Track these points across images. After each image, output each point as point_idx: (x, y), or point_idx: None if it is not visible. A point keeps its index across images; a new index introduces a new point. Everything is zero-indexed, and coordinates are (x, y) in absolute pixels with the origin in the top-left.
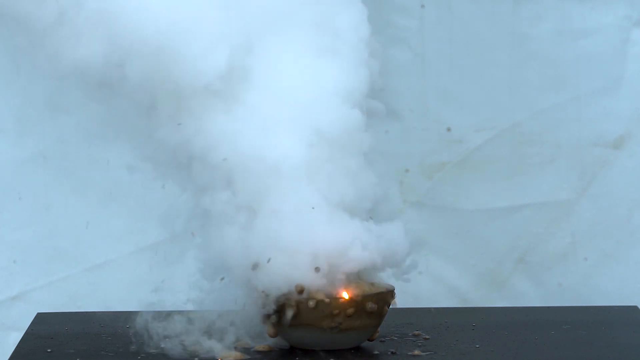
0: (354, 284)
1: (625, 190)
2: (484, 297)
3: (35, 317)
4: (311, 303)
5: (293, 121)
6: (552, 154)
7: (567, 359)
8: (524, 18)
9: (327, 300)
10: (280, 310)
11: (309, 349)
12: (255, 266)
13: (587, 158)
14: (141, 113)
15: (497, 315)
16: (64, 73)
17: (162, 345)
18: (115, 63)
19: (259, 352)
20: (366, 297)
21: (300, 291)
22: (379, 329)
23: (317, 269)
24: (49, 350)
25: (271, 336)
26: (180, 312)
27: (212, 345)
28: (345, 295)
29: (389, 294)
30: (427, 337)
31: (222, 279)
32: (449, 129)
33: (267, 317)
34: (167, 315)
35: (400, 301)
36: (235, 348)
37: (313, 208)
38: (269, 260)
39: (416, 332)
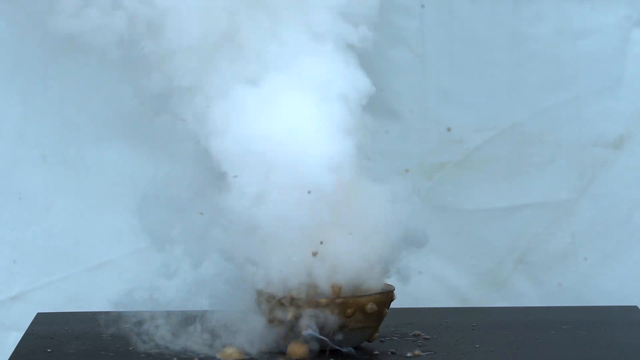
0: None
1: (625, 190)
2: (484, 297)
3: (35, 317)
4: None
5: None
6: (552, 154)
7: (567, 359)
8: (524, 18)
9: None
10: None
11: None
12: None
13: (587, 158)
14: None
15: (497, 315)
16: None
17: (162, 346)
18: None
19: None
20: (366, 298)
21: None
22: (379, 329)
23: (314, 253)
24: (49, 350)
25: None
26: (180, 312)
27: (211, 344)
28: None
29: (389, 294)
30: (427, 337)
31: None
32: (449, 129)
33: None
34: (166, 315)
35: (400, 301)
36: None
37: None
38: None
39: (416, 332)
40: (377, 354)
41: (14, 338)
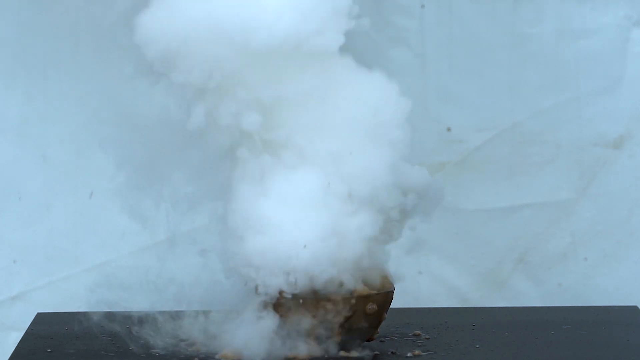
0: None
1: (625, 190)
2: (484, 297)
3: (35, 317)
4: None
5: None
6: (552, 154)
7: (567, 359)
8: (524, 18)
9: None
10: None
11: None
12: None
13: (587, 158)
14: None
15: (497, 315)
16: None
17: (163, 346)
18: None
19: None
20: (367, 298)
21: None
22: (378, 329)
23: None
24: (49, 350)
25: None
26: (182, 312)
27: (213, 345)
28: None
29: (389, 294)
30: (427, 337)
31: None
32: (449, 129)
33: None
34: (170, 315)
35: (400, 301)
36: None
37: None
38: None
39: (416, 332)
40: (377, 354)
41: (14, 338)
